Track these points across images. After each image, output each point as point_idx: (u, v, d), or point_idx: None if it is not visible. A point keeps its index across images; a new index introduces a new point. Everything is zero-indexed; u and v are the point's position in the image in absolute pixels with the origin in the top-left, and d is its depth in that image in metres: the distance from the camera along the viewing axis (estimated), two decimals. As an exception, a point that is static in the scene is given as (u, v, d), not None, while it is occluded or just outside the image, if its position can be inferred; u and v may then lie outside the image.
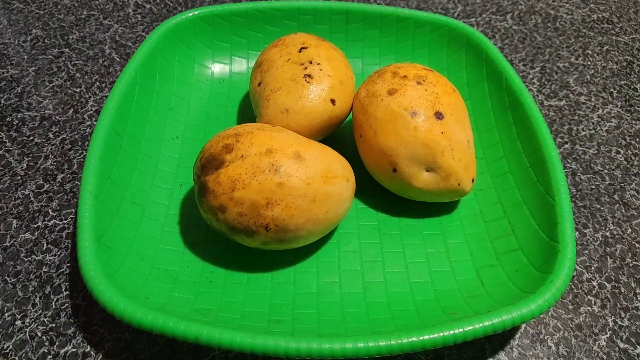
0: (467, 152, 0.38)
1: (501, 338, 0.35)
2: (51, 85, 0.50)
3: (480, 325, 0.29)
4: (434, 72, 0.40)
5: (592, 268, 0.40)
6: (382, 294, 0.35)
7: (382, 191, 0.42)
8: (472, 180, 0.39)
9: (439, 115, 0.37)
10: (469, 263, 0.37)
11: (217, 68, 0.51)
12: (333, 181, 0.34)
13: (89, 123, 0.47)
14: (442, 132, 0.36)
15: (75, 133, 0.46)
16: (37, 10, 0.59)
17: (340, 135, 0.47)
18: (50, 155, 0.44)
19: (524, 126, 0.41)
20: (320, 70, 0.40)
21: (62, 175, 0.43)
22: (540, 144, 0.39)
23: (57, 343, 0.33)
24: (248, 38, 0.51)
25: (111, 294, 0.29)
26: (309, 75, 0.40)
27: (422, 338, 0.28)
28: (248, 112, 0.48)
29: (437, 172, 0.37)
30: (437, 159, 0.37)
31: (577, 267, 0.39)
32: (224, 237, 0.38)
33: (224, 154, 0.33)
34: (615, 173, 0.46)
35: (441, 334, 0.28)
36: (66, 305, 0.35)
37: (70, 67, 0.52)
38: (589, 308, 0.37)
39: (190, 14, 0.48)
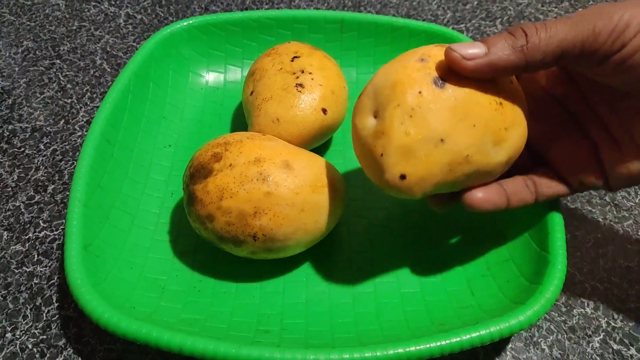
0: (424, 143, 0.28)
1: (495, 342, 0.35)
2: (42, 96, 0.50)
3: (468, 337, 0.28)
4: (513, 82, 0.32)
5: (585, 270, 0.39)
6: (372, 304, 0.35)
7: (373, 200, 0.42)
8: (401, 177, 0.28)
9: (439, 82, 0.28)
10: (460, 273, 0.37)
11: (212, 77, 0.51)
12: (322, 190, 0.34)
13: (80, 134, 0.47)
14: (419, 92, 0.28)
15: (66, 144, 0.46)
16: (28, 22, 0.59)
17: (331, 144, 0.47)
18: (41, 167, 0.44)
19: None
20: (312, 79, 0.40)
21: (53, 186, 0.43)
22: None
23: (48, 355, 0.33)
24: (243, 47, 0.51)
25: (96, 303, 0.29)
26: (301, 85, 0.40)
27: (408, 349, 0.27)
28: (242, 120, 0.48)
29: (377, 122, 0.29)
30: (388, 108, 0.29)
31: (570, 269, 0.39)
32: (214, 246, 0.38)
33: (213, 163, 0.33)
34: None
35: (427, 345, 0.28)
36: (57, 316, 0.35)
37: (62, 78, 0.52)
38: (582, 310, 0.37)
39: (185, 23, 0.48)
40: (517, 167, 0.33)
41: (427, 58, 0.29)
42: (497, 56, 0.27)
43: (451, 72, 0.28)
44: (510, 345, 0.35)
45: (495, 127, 0.29)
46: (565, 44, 0.26)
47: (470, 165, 0.29)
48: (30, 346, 0.33)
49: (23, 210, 0.41)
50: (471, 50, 0.27)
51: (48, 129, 0.47)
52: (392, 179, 0.29)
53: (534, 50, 0.26)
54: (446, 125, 0.28)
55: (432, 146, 0.28)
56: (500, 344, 0.35)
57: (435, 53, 0.29)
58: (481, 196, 0.31)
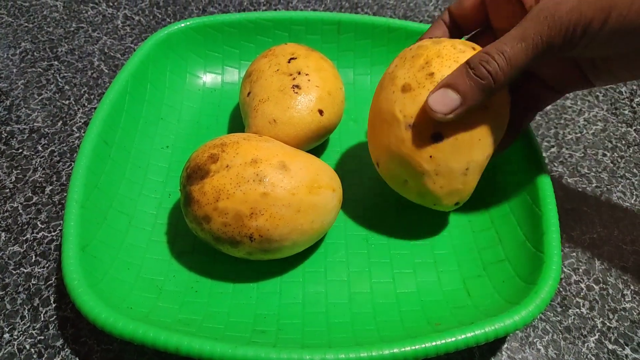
0: (457, 180, 0.34)
1: (490, 342, 0.35)
2: (40, 97, 0.50)
3: (463, 336, 0.28)
4: None
5: (580, 270, 0.39)
6: (368, 305, 0.35)
7: (370, 201, 0.42)
8: (457, 204, 0.36)
9: (436, 137, 0.33)
10: (456, 273, 0.37)
11: (209, 78, 0.51)
12: (319, 191, 0.34)
13: (77, 135, 0.47)
14: (430, 157, 0.33)
15: (64, 145, 0.46)
16: (26, 24, 0.59)
17: (328, 145, 0.47)
18: (39, 168, 0.44)
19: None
20: (309, 80, 0.40)
21: (50, 188, 0.43)
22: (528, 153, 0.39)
23: (45, 355, 0.33)
24: (240, 48, 0.51)
25: (93, 303, 0.29)
26: (297, 86, 0.40)
27: (403, 349, 0.28)
28: (239, 121, 0.48)
29: (412, 187, 0.36)
30: (416, 179, 0.35)
31: (565, 270, 0.39)
32: (211, 247, 0.38)
33: (210, 164, 0.33)
34: (601, 175, 0.46)
35: (423, 345, 0.28)
36: (55, 317, 0.35)
37: (59, 80, 0.53)
38: (578, 310, 0.37)
39: (183, 25, 0.48)
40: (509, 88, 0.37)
41: (412, 122, 0.33)
42: (471, 102, 0.31)
43: (436, 121, 0.32)
44: (505, 345, 0.35)
45: (494, 123, 0.34)
46: (524, 63, 0.30)
47: (489, 156, 0.35)
48: (27, 347, 0.34)
49: (21, 211, 0.41)
50: (449, 105, 0.31)
51: (46, 130, 0.47)
52: (450, 209, 0.37)
53: (499, 83, 0.30)
54: (463, 160, 0.33)
55: (463, 177, 0.34)
56: (496, 344, 0.35)
57: (413, 110, 0.33)
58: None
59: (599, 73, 0.33)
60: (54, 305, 0.36)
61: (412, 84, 0.33)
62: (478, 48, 0.34)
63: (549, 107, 0.53)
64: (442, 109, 0.31)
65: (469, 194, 0.36)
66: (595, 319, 0.37)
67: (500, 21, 0.36)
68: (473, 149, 0.33)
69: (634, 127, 0.51)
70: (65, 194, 0.42)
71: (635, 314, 0.37)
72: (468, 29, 0.39)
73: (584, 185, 0.46)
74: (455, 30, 0.39)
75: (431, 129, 0.33)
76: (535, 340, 0.35)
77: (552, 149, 0.49)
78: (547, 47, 0.29)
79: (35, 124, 0.48)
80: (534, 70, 0.37)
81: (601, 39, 0.28)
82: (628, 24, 0.27)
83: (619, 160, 0.48)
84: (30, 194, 0.42)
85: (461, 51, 0.33)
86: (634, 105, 0.54)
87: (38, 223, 0.40)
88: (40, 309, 0.35)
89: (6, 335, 0.34)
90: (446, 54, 0.33)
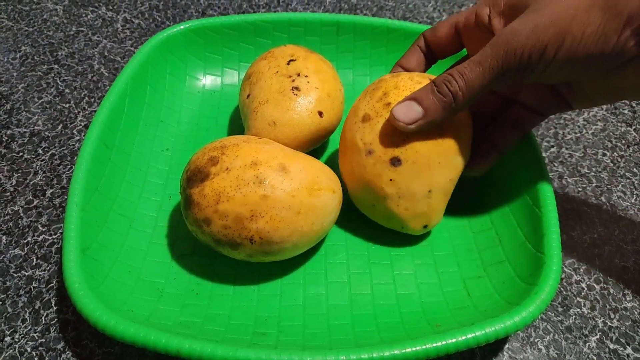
0: (421, 203, 0.35)
1: (491, 342, 0.35)
2: (40, 101, 0.51)
3: (463, 337, 0.28)
4: None
5: (581, 270, 0.40)
6: (369, 306, 0.35)
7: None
8: (425, 227, 0.37)
9: (394, 161, 0.34)
10: (457, 274, 0.37)
11: (209, 80, 0.51)
12: (318, 193, 0.34)
13: (78, 138, 0.47)
14: (390, 180, 0.35)
15: (65, 148, 0.46)
16: (26, 28, 0.59)
17: (328, 147, 0.47)
18: (40, 171, 0.44)
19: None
20: (308, 82, 0.40)
21: (51, 191, 0.43)
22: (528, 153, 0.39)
23: (46, 358, 0.33)
24: (239, 50, 0.51)
25: (94, 306, 0.29)
26: (297, 88, 0.40)
27: (404, 351, 0.28)
28: (239, 124, 0.48)
29: (380, 211, 0.37)
30: (379, 202, 0.36)
31: (566, 270, 0.39)
32: (212, 249, 0.38)
33: (210, 167, 0.33)
34: (601, 175, 0.47)
35: (424, 347, 0.28)
36: (56, 320, 0.35)
37: (59, 83, 0.53)
38: (579, 310, 0.37)
39: (182, 27, 0.49)
40: (492, 113, 0.39)
41: (371, 149, 0.35)
42: (432, 116, 0.33)
43: (395, 146, 0.34)
44: (507, 346, 0.35)
45: (450, 147, 0.35)
46: (481, 86, 0.31)
47: (453, 180, 0.36)
48: (29, 349, 0.34)
49: (22, 214, 0.41)
50: (411, 116, 0.33)
51: (46, 133, 0.48)
52: (420, 232, 0.38)
53: (459, 102, 0.32)
54: (424, 182, 0.35)
55: (427, 200, 0.36)
56: (497, 344, 0.35)
57: (371, 137, 0.35)
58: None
59: (576, 97, 0.35)
60: (55, 308, 0.36)
61: (371, 114, 0.36)
62: None
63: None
64: (405, 119, 0.33)
65: (438, 218, 0.37)
66: (597, 319, 0.37)
67: (473, 48, 0.37)
68: (433, 171, 0.35)
69: (633, 127, 0.52)
70: (65, 197, 0.42)
71: (636, 313, 0.37)
72: (443, 54, 0.40)
73: (584, 185, 0.46)
74: (431, 56, 0.40)
75: (390, 154, 0.34)
76: (536, 341, 0.36)
77: (552, 149, 0.49)
78: (503, 71, 0.30)
79: (35, 128, 0.48)
80: (514, 95, 0.38)
81: (557, 64, 0.29)
82: (581, 49, 0.28)
83: (619, 159, 0.48)
84: (31, 197, 0.42)
85: (418, 82, 0.36)
86: (634, 104, 0.54)
87: (39, 226, 0.40)
88: (42, 311, 0.36)
89: (7, 338, 0.34)
90: (403, 85, 0.36)
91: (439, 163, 0.35)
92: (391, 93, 0.36)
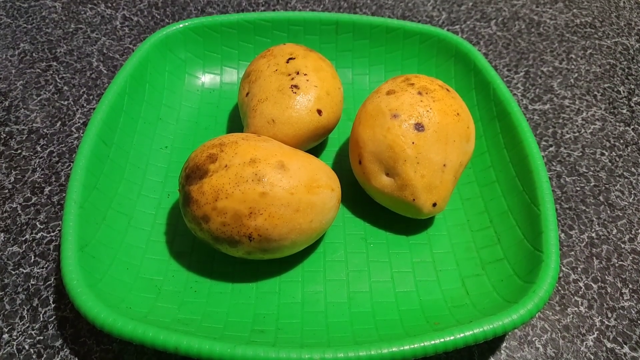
0: (435, 174, 0.37)
1: (489, 340, 0.35)
2: (39, 98, 0.51)
3: (461, 335, 0.28)
4: (449, 91, 0.39)
5: (579, 269, 0.40)
6: (367, 304, 0.35)
7: (369, 200, 0.42)
8: (434, 205, 0.37)
9: (419, 127, 0.36)
10: (455, 273, 0.37)
11: (208, 78, 0.51)
12: (317, 191, 0.34)
13: (76, 135, 0.47)
14: (412, 143, 0.36)
15: (63, 145, 0.46)
16: (25, 25, 0.59)
17: (327, 145, 0.47)
18: (38, 168, 0.44)
19: (511, 136, 0.41)
20: (307, 80, 0.40)
21: (49, 188, 0.43)
22: (527, 153, 0.39)
23: (44, 356, 0.33)
24: (238, 49, 0.51)
25: (92, 303, 0.29)
26: (296, 86, 0.40)
27: (402, 348, 0.28)
28: (238, 122, 0.48)
29: (395, 178, 0.37)
30: (397, 166, 0.36)
31: (564, 269, 0.40)
32: (210, 247, 0.38)
33: (208, 164, 0.33)
34: (600, 175, 0.47)
35: (422, 344, 0.28)
36: (54, 317, 0.35)
37: (58, 80, 0.53)
38: (576, 309, 0.37)
39: (181, 25, 0.48)
40: None
41: (397, 113, 0.37)
42: None
43: (419, 114, 0.37)
44: (504, 344, 0.35)
45: (463, 131, 0.38)
46: None
47: (462, 165, 0.39)
48: (27, 347, 0.34)
49: (20, 211, 0.41)
50: None
51: (45, 130, 0.47)
52: (428, 210, 0.38)
53: None
54: (441, 153, 0.37)
55: (441, 173, 0.37)
56: (494, 342, 0.35)
57: (397, 105, 0.37)
58: None
59: None
60: (53, 305, 0.36)
61: (396, 89, 0.39)
62: (451, 90, 0.40)
63: (547, 107, 0.53)
64: None
65: (445, 199, 0.38)
66: (594, 318, 0.37)
67: None
68: (449, 146, 0.37)
69: (631, 126, 0.52)
70: (64, 195, 0.42)
71: (633, 312, 0.37)
72: None
73: (582, 184, 0.46)
74: None
75: (415, 118, 0.36)
76: (534, 339, 0.36)
77: (550, 148, 0.49)
78: None
79: (34, 125, 0.48)
80: None
81: None
82: None
83: (617, 159, 0.48)
84: (29, 195, 0.42)
85: (433, 80, 0.40)
86: (632, 104, 0.54)
87: (37, 223, 0.40)
88: (40, 309, 0.35)
89: (5, 336, 0.34)
90: (422, 76, 0.40)
91: (454, 141, 0.37)
92: (413, 78, 0.39)
